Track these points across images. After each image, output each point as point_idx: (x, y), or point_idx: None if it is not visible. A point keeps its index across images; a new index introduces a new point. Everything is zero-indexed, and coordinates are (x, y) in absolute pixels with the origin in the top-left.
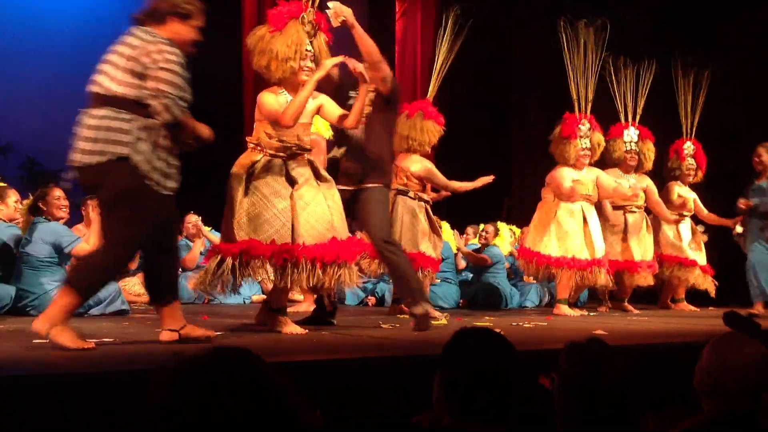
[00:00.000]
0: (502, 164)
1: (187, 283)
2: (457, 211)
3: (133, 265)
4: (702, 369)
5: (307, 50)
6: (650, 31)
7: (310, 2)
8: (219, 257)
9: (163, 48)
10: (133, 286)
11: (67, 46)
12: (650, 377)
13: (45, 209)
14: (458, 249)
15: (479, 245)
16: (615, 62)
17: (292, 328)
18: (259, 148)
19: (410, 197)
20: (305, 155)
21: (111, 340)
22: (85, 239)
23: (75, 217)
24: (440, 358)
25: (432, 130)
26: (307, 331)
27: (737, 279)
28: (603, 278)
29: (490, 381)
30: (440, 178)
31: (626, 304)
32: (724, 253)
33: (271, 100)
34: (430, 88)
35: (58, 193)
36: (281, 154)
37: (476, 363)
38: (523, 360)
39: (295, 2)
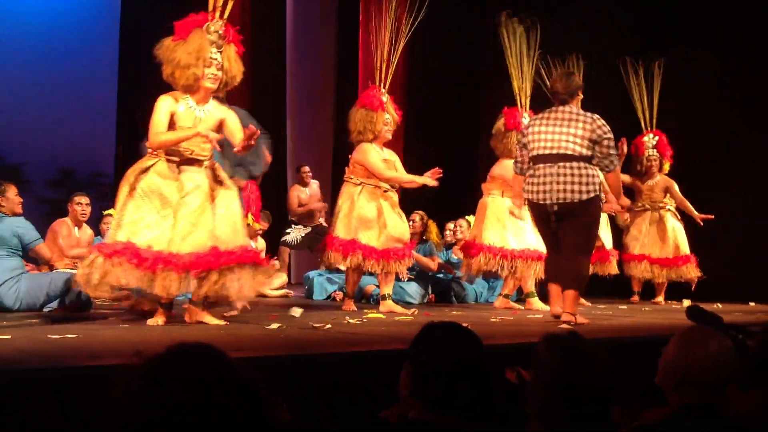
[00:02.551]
0: (469, 159)
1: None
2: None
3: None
4: (668, 363)
5: (211, 58)
6: (613, 30)
7: (218, 13)
8: (93, 256)
9: (604, 124)
10: None
11: (33, 43)
12: (618, 370)
13: (5, 205)
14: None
15: (453, 242)
16: (546, 62)
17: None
18: (155, 153)
19: (353, 183)
20: (204, 162)
21: (74, 335)
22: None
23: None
24: (408, 353)
25: (365, 118)
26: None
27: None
28: None
29: (458, 374)
30: (375, 167)
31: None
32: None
33: (162, 108)
34: (382, 77)
35: (16, 190)
36: (175, 158)
37: (444, 357)
38: (490, 354)
39: (203, 13)
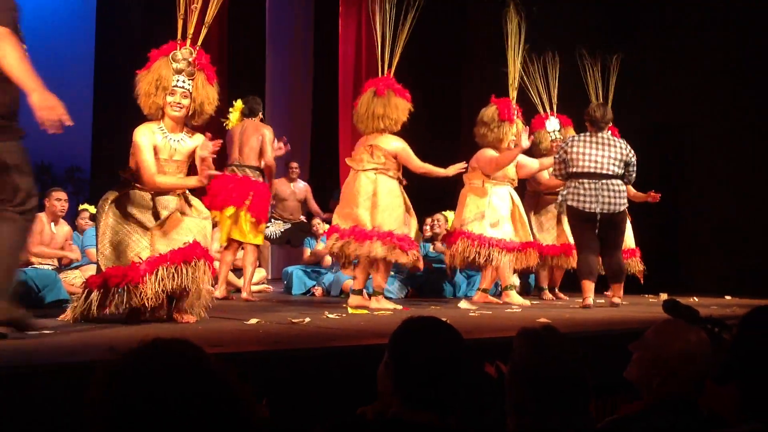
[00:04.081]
0: (450, 150)
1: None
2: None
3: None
4: (645, 357)
5: (176, 86)
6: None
7: (188, 41)
8: (86, 291)
9: (630, 148)
10: (75, 278)
11: None
12: (593, 364)
13: None
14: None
15: (430, 235)
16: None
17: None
18: (128, 181)
19: (390, 176)
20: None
21: (50, 331)
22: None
23: None
24: (387, 348)
25: (404, 108)
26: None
27: (667, 264)
28: (534, 260)
29: (438, 370)
30: (415, 159)
31: (558, 291)
32: (653, 237)
33: (145, 145)
34: (384, 65)
35: None
36: (148, 188)
37: (424, 352)
38: (470, 349)
39: (172, 42)
